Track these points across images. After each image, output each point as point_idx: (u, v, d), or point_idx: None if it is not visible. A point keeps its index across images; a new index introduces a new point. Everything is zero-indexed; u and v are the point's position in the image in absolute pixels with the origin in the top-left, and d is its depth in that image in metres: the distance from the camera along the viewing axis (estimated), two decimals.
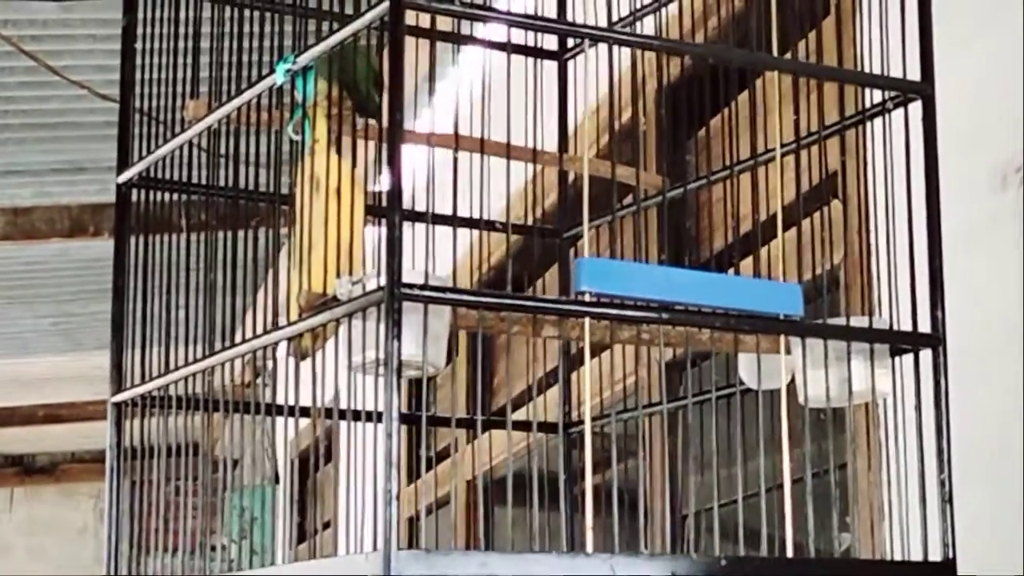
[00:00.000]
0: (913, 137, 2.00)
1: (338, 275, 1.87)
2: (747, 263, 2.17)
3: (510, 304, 1.82)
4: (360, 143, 2.07)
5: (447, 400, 4.51)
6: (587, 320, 1.84)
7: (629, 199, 2.43)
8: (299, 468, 7.90)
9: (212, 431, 2.24)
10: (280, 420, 2.27)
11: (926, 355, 1.95)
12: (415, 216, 1.99)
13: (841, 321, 1.97)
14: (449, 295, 1.74)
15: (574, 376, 2.62)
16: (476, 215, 2.30)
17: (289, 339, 1.90)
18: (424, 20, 1.97)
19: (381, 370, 1.67)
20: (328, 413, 2.00)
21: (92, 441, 12.50)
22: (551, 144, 2.56)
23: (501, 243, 2.44)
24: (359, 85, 2.11)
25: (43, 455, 14.09)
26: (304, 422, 2.19)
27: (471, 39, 2.40)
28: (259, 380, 2.16)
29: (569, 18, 2.59)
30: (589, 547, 1.70)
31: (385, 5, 1.76)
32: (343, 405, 1.95)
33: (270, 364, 2.02)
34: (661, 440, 3.14)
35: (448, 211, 1.92)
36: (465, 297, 1.79)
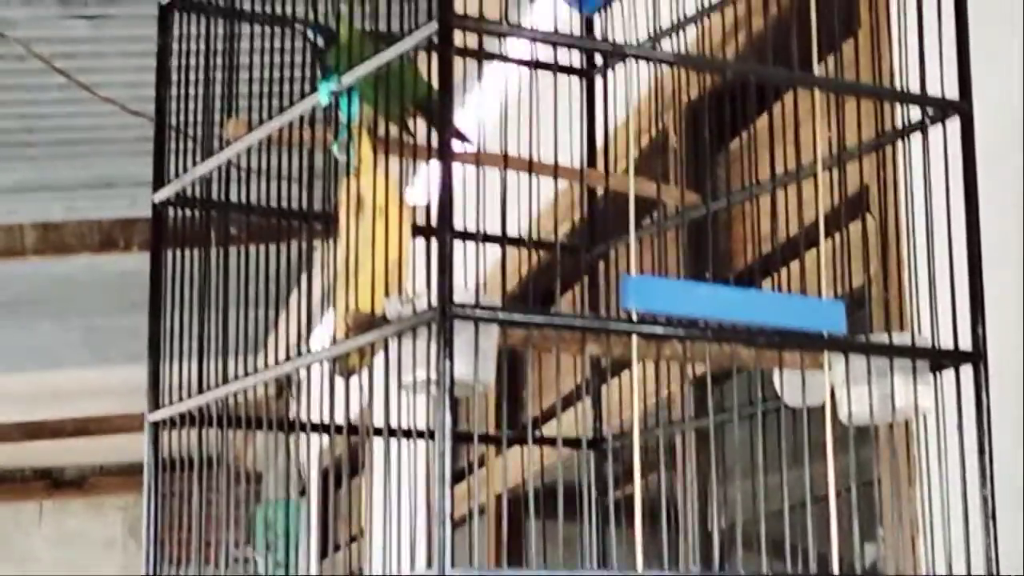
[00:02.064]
0: (950, 153, 2.00)
1: (386, 294, 1.88)
2: (779, 279, 2.17)
3: (560, 323, 1.82)
4: (399, 161, 2.07)
5: (474, 414, 4.50)
6: (635, 337, 1.84)
7: (655, 215, 2.43)
8: (327, 482, 7.90)
9: (245, 446, 2.24)
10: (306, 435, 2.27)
11: (966, 370, 1.95)
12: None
13: (883, 338, 1.97)
14: (500, 314, 1.75)
15: (603, 390, 2.62)
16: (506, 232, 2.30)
17: (335, 358, 1.91)
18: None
19: (432, 389, 1.67)
20: (366, 431, 2.00)
21: (121, 454, 12.53)
22: (578, 161, 2.57)
23: (525, 259, 2.43)
24: (404, 102, 2.08)
25: (72, 468, 14.12)
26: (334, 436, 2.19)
27: (502, 57, 2.40)
28: (286, 395, 2.17)
29: (597, 35, 2.60)
30: (639, 565, 1.70)
31: (433, 25, 1.76)
32: (382, 422, 1.95)
33: (296, 380, 2.02)
34: (695, 454, 3.14)
35: (475, 228, 1.93)
36: (516, 317, 1.79)
